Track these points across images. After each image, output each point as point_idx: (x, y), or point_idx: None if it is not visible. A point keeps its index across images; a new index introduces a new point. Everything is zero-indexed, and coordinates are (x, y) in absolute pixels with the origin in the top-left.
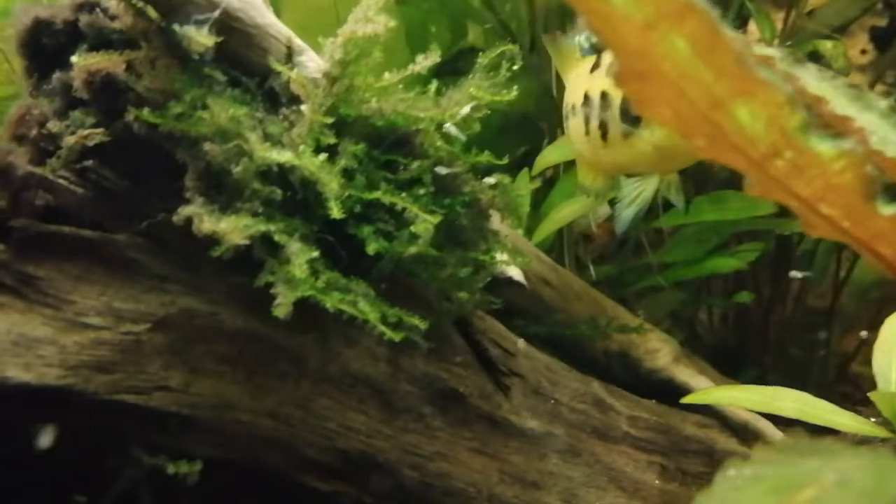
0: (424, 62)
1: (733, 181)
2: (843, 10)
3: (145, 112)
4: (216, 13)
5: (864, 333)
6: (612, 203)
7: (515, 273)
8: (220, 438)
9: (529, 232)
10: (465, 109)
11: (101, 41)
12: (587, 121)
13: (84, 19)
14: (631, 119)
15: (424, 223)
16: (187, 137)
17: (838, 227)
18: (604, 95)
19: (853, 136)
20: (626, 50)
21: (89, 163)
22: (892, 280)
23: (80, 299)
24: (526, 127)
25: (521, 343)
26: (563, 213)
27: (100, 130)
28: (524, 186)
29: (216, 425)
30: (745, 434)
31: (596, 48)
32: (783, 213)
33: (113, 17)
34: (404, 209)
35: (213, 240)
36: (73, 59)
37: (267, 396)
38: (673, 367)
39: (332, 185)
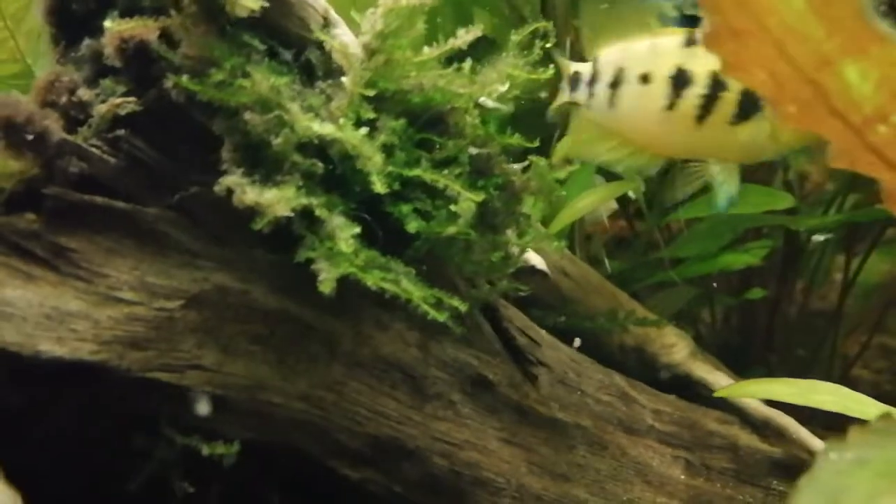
0: (466, 37)
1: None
2: None
3: (185, 79)
4: None
5: None
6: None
7: (538, 261)
8: (252, 420)
9: (543, 224)
10: (503, 88)
11: (133, 7)
12: (675, 96)
13: None
14: (748, 106)
15: (467, 202)
16: (225, 107)
17: None
18: (716, 77)
19: None
20: (727, 5)
21: (121, 132)
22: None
23: (112, 273)
24: (537, 116)
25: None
26: (580, 204)
27: (132, 99)
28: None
29: (249, 407)
30: (766, 431)
31: (686, 20)
32: (793, 210)
33: None
34: (446, 187)
35: (250, 213)
36: (107, 23)
37: (299, 379)
38: (689, 362)
39: (375, 158)
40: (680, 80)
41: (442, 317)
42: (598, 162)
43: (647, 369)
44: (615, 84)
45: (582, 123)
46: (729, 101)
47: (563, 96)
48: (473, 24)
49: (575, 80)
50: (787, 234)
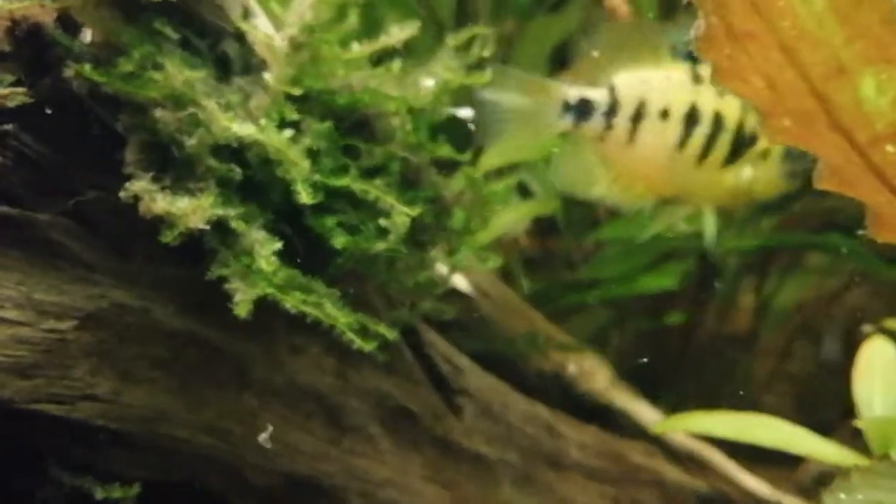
0: (400, 34)
1: None
2: None
3: (87, 68)
4: None
5: None
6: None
7: (461, 282)
8: (152, 456)
9: None
10: (429, 83)
11: None
12: (685, 135)
13: None
14: (739, 148)
15: (401, 216)
16: (132, 102)
17: None
18: (717, 115)
19: None
20: (734, 5)
21: (8, 127)
22: (806, 310)
23: None
24: (457, 127)
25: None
26: (500, 221)
27: (22, 90)
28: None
29: (148, 441)
30: (691, 464)
31: (693, 57)
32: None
33: None
34: (377, 199)
35: (156, 223)
36: None
37: (205, 408)
38: (610, 390)
39: (301, 165)
40: (691, 118)
41: (370, 346)
42: (591, 196)
43: (565, 396)
44: (637, 118)
45: (587, 155)
46: (724, 142)
47: (558, 123)
48: (384, 27)
49: (583, 108)
50: (700, 257)
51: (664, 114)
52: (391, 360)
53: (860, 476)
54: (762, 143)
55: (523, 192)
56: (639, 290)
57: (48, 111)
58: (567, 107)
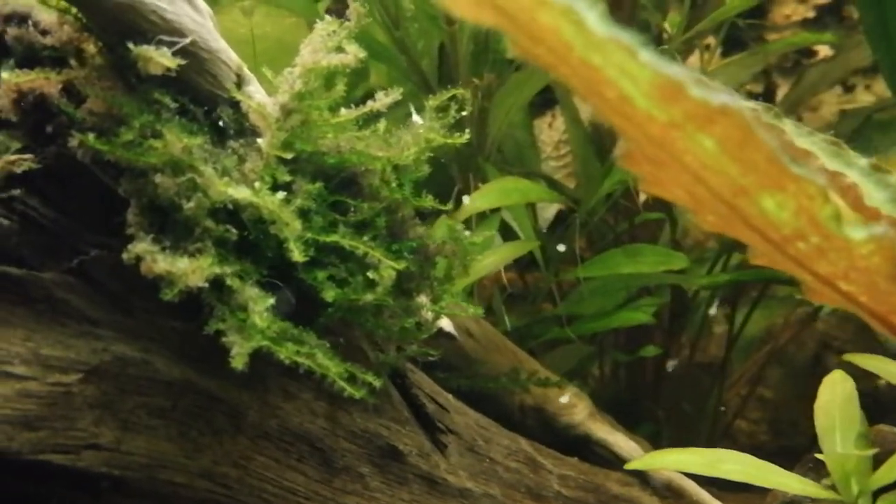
0: (385, 99)
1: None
2: (735, 74)
3: (91, 138)
4: (188, 39)
5: None
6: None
7: (446, 324)
8: (152, 502)
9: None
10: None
11: (32, 57)
12: None
13: (12, 32)
14: None
15: (387, 269)
16: (133, 168)
17: (854, 300)
18: None
19: (848, 193)
20: (641, 140)
21: (16, 192)
22: (776, 337)
23: (2, 345)
24: (437, 173)
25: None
26: (484, 262)
27: (28, 156)
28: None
29: (148, 488)
30: (667, 493)
31: None
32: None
33: (45, 32)
34: (365, 254)
35: (155, 281)
36: (4, 74)
37: (202, 454)
38: (590, 422)
39: (294, 225)
40: None
41: (360, 393)
42: None
43: (546, 429)
44: None
45: None
46: None
47: None
48: (369, 75)
49: None
50: (674, 290)
51: None
52: (379, 401)
53: None
54: None
55: (505, 230)
56: (617, 325)
57: (53, 176)
58: None
